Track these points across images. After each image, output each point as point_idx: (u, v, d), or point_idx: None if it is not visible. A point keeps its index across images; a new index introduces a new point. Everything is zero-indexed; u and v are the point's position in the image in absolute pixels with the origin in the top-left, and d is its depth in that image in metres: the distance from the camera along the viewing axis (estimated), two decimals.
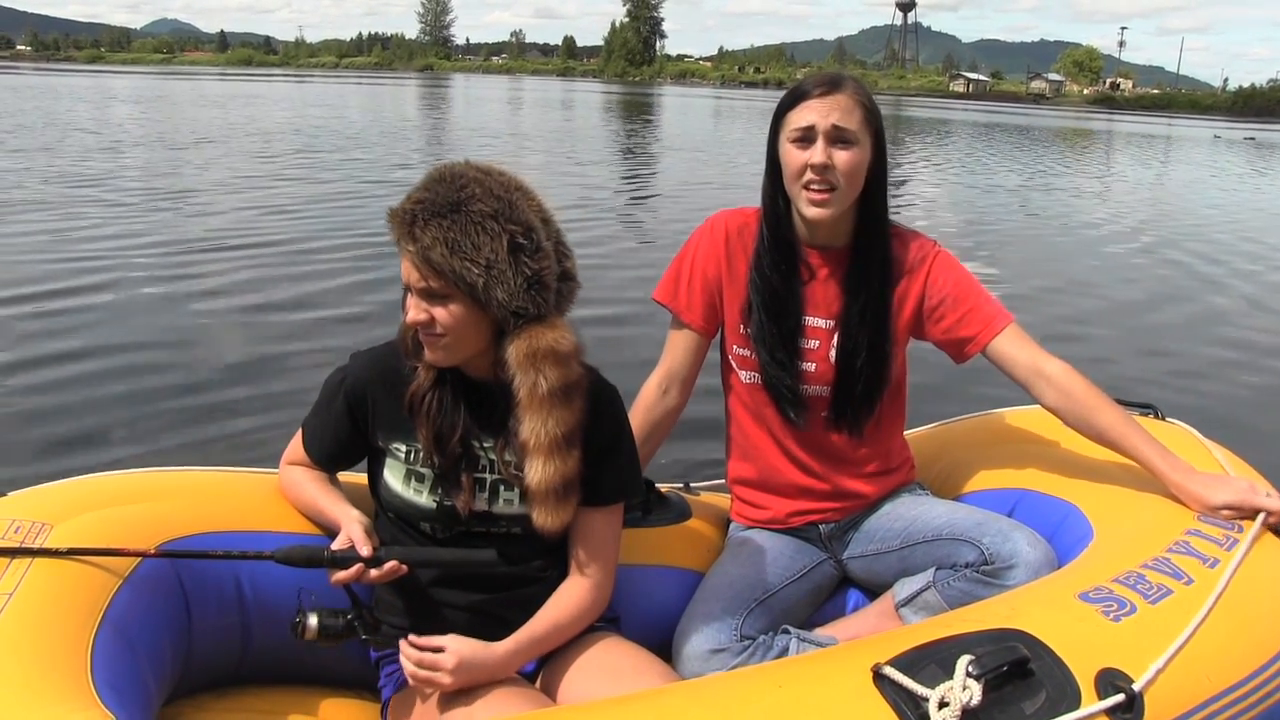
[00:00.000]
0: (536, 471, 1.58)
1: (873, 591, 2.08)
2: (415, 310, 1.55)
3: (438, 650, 1.53)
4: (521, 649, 1.61)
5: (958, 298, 1.98)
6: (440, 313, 1.53)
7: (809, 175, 1.86)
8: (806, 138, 1.86)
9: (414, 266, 1.52)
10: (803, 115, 1.86)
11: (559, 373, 1.55)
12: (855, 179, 1.88)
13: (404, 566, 1.61)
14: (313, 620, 1.53)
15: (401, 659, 1.54)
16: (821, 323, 1.99)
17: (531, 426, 1.56)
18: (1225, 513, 1.83)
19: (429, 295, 1.53)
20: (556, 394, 1.55)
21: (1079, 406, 1.92)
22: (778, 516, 2.09)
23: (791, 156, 1.88)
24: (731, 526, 2.17)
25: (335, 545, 1.61)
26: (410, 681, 1.55)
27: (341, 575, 1.57)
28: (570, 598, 1.68)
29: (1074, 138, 37.34)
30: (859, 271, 1.96)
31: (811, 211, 1.89)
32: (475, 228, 1.48)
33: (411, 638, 1.55)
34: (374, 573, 1.58)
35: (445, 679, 1.52)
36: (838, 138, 1.85)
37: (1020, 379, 1.97)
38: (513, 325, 1.54)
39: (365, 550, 1.58)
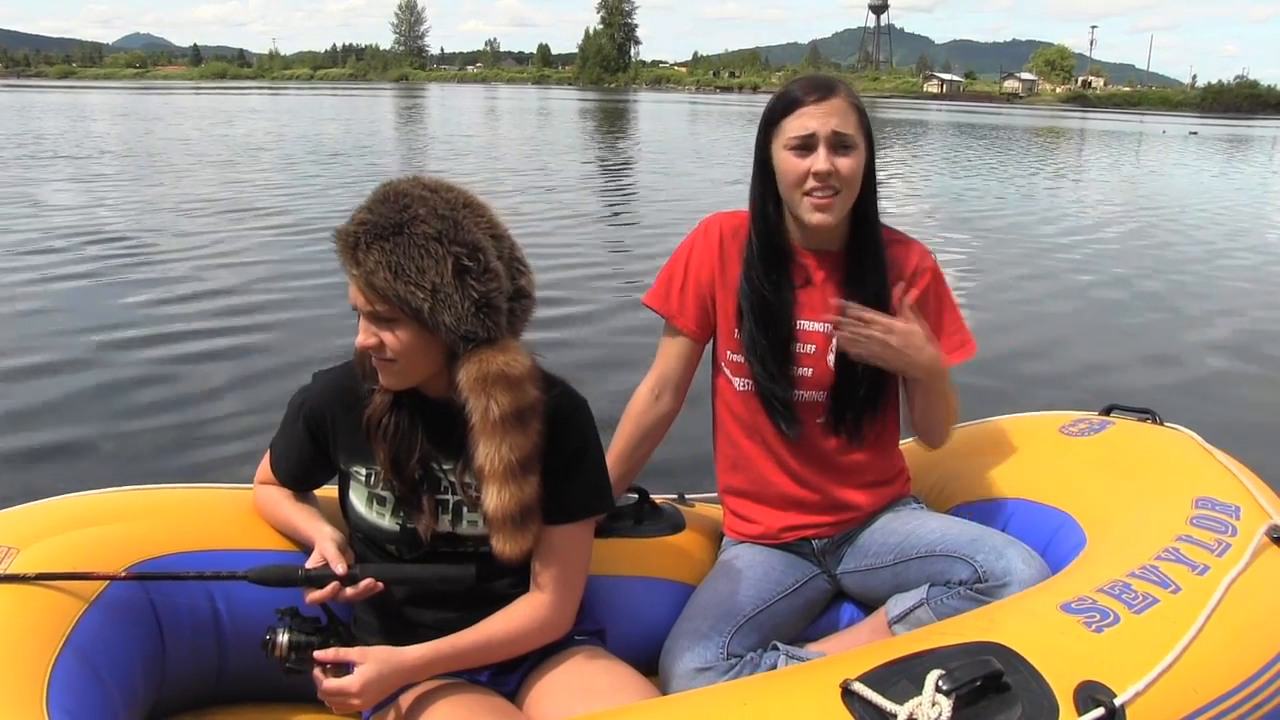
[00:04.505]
0: (492, 498, 1.54)
1: (867, 605, 2.06)
2: (364, 334, 1.51)
3: (350, 665, 1.50)
4: (439, 658, 1.57)
5: (939, 313, 1.99)
6: (389, 337, 1.50)
7: (812, 182, 1.84)
8: (806, 145, 1.84)
9: (359, 290, 1.48)
10: (801, 123, 1.84)
11: (511, 397, 1.51)
12: (855, 183, 1.87)
13: (379, 584, 1.58)
14: (283, 638, 1.50)
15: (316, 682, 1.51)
16: (818, 327, 1.96)
17: (486, 452, 1.52)
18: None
19: (376, 319, 1.50)
20: (509, 419, 1.52)
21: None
22: (770, 531, 2.06)
23: (790, 164, 1.86)
24: (723, 540, 2.14)
25: (309, 563, 1.59)
26: (324, 701, 1.52)
27: (317, 594, 1.55)
28: (518, 614, 1.63)
29: (1049, 135, 37.54)
30: (857, 273, 1.95)
31: (815, 218, 1.87)
32: (419, 250, 1.44)
33: (322, 653, 1.50)
34: (349, 590, 1.56)
35: (355, 701, 1.49)
36: (838, 143, 1.83)
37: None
38: (462, 349, 1.50)
39: (340, 568, 1.56)
